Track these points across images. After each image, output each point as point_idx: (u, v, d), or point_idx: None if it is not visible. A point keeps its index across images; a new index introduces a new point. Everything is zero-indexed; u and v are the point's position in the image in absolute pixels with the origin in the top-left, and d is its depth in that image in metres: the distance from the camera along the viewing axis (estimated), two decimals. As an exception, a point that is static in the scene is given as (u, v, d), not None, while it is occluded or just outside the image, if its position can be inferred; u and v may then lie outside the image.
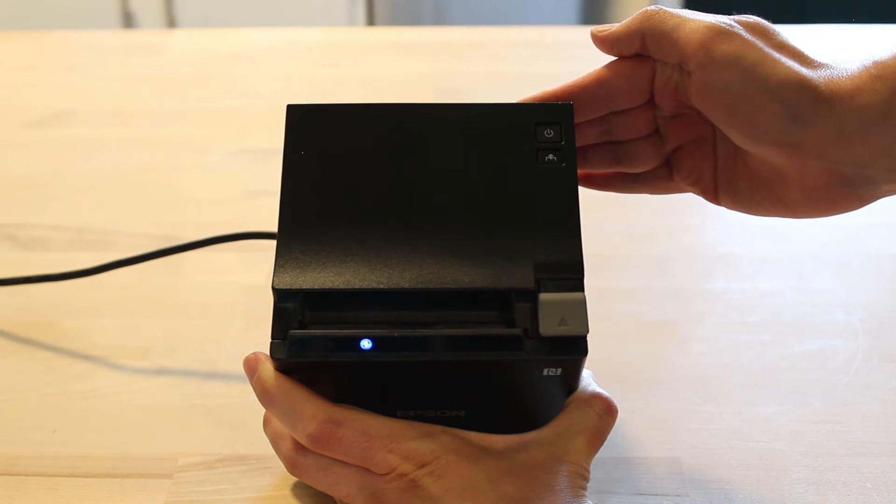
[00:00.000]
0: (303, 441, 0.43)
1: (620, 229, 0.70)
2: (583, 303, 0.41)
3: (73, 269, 0.60)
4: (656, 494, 0.49)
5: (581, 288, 0.41)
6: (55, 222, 0.72)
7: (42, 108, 0.88)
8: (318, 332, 0.41)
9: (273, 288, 0.41)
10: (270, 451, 0.47)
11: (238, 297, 0.64)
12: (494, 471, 0.42)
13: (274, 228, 0.43)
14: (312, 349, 0.41)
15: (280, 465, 0.48)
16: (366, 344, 0.41)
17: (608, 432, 0.45)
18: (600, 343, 0.55)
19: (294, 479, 0.50)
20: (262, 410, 0.46)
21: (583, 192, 0.43)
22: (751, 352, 0.59)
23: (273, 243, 0.43)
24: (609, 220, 0.71)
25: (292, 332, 0.41)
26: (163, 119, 0.86)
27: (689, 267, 0.67)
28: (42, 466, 0.51)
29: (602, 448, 0.45)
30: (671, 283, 0.65)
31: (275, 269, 0.42)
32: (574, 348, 0.41)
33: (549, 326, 0.40)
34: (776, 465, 0.51)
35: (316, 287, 0.41)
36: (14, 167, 0.80)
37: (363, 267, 0.42)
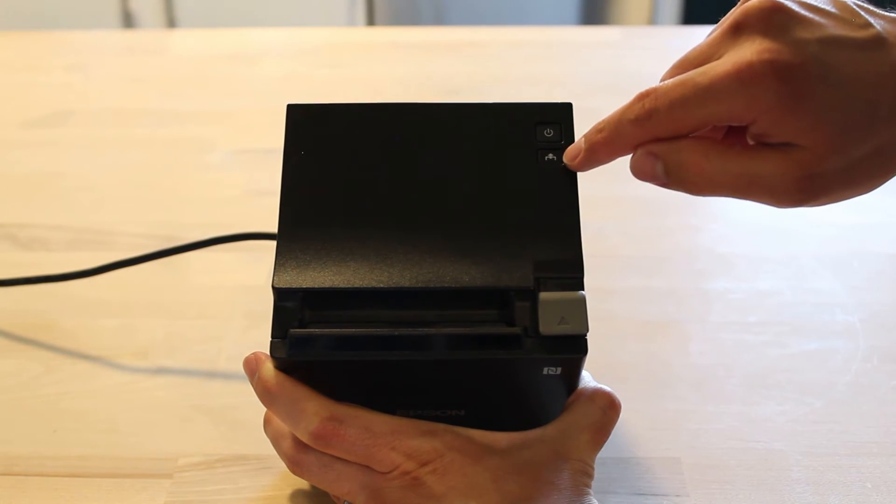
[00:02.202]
0: (305, 439, 0.43)
1: (620, 229, 0.70)
2: (582, 302, 0.41)
3: (73, 270, 0.60)
4: (656, 494, 0.49)
5: (581, 287, 0.41)
6: (55, 222, 0.72)
7: (42, 108, 0.88)
8: (317, 330, 0.41)
9: (273, 287, 0.41)
10: (270, 450, 0.47)
11: (238, 297, 0.64)
12: (498, 469, 0.42)
13: (274, 228, 0.43)
14: (312, 348, 0.41)
15: (280, 465, 0.48)
16: (366, 343, 0.41)
17: (612, 427, 0.45)
18: (600, 343, 0.55)
19: (294, 479, 0.50)
20: (263, 410, 0.46)
21: (583, 192, 0.43)
22: (751, 352, 0.59)
23: (273, 243, 0.43)
24: (609, 220, 0.71)
25: (292, 331, 0.41)
26: (163, 119, 0.86)
27: (689, 267, 0.67)
28: (42, 466, 0.51)
29: (602, 448, 0.45)
30: (671, 283, 0.65)
31: (275, 268, 0.42)
32: (574, 347, 0.41)
33: (548, 325, 0.40)
34: (776, 465, 0.51)
35: (316, 286, 0.41)
36: (14, 167, 0.79)
37: (363, 266, 0.42)
